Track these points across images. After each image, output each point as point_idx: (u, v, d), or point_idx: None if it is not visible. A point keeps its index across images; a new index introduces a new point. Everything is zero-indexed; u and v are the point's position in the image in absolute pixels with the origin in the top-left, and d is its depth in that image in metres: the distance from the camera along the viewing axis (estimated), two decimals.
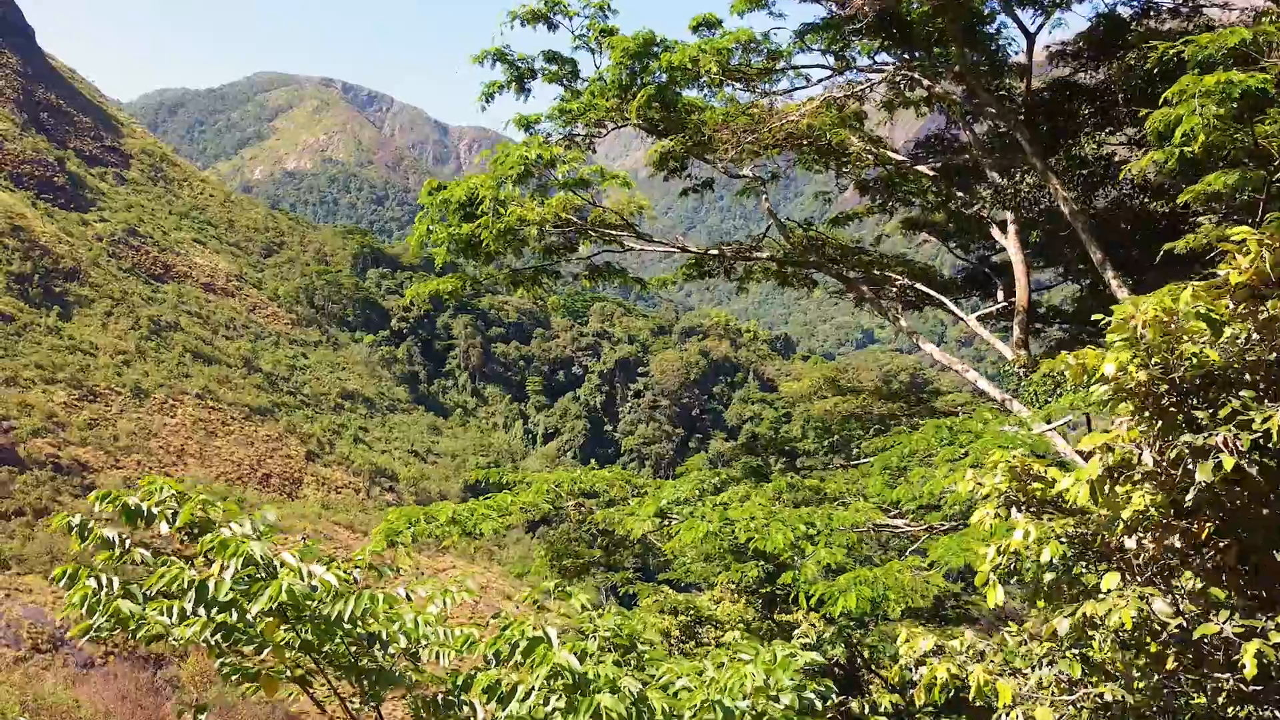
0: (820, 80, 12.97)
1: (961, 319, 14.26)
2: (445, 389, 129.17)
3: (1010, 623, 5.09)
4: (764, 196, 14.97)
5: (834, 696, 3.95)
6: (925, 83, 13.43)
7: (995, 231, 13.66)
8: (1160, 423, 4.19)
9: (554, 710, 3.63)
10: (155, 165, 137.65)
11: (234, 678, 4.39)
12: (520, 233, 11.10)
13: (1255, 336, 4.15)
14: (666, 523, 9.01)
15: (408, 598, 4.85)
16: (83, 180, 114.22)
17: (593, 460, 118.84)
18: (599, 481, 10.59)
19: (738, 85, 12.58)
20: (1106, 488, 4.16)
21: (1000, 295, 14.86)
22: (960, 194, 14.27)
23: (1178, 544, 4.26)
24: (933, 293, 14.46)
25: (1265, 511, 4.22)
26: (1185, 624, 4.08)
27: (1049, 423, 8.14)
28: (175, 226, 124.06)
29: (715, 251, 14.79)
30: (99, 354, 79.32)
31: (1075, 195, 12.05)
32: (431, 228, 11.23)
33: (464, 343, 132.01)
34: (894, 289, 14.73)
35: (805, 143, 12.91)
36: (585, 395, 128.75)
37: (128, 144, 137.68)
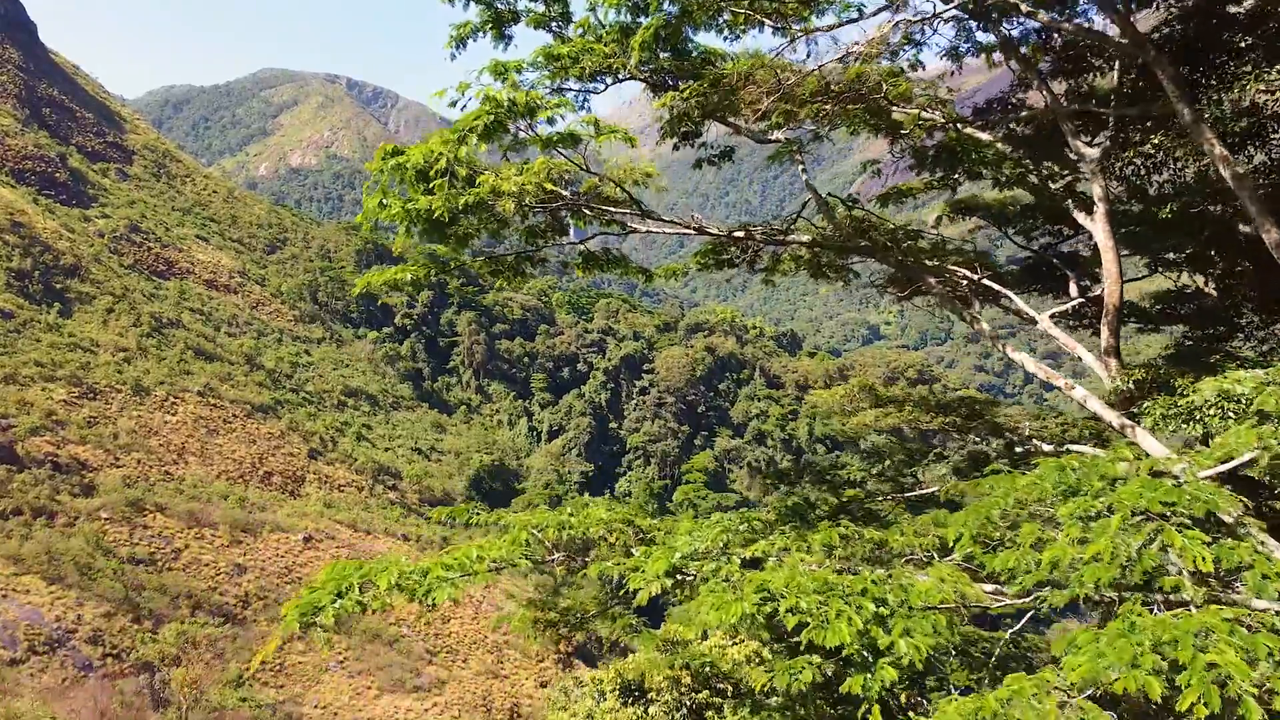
0: (877, 10, 10.01)
1: (1031, 318, 11.66)
2: (449, 386, 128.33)
3: None
4: (800, 166, 12.47)
5: None
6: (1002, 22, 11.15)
7: (1080, 215, 11.18)
8: None
9: None
10: (158, 161, 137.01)
11: None
12: (494, 208, 9.15)
13: None
14: (681, 580, 7.10)
15: None
16: (84, 176, 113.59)
17: (594, 464, 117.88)
18: (593, 524, 8.49)
19: (769, 23, 10.15)
20: None
21: (1073, 290, 12.73)
22: (1047, 165, 11.83)
23: None
24: (1002, 289, 12.01)
25: None
26: None
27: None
28: (178, 223, 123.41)
29: (740, 234, 12.20)
30: (99, 351, 78.64)
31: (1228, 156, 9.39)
32: (385, 201, 8.95)
33: (468, 339, 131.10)
34: (946, 283, 12.08)
35: (853, 99, 10.60)
36: (590, 392, 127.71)
37: (130, 140, 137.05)
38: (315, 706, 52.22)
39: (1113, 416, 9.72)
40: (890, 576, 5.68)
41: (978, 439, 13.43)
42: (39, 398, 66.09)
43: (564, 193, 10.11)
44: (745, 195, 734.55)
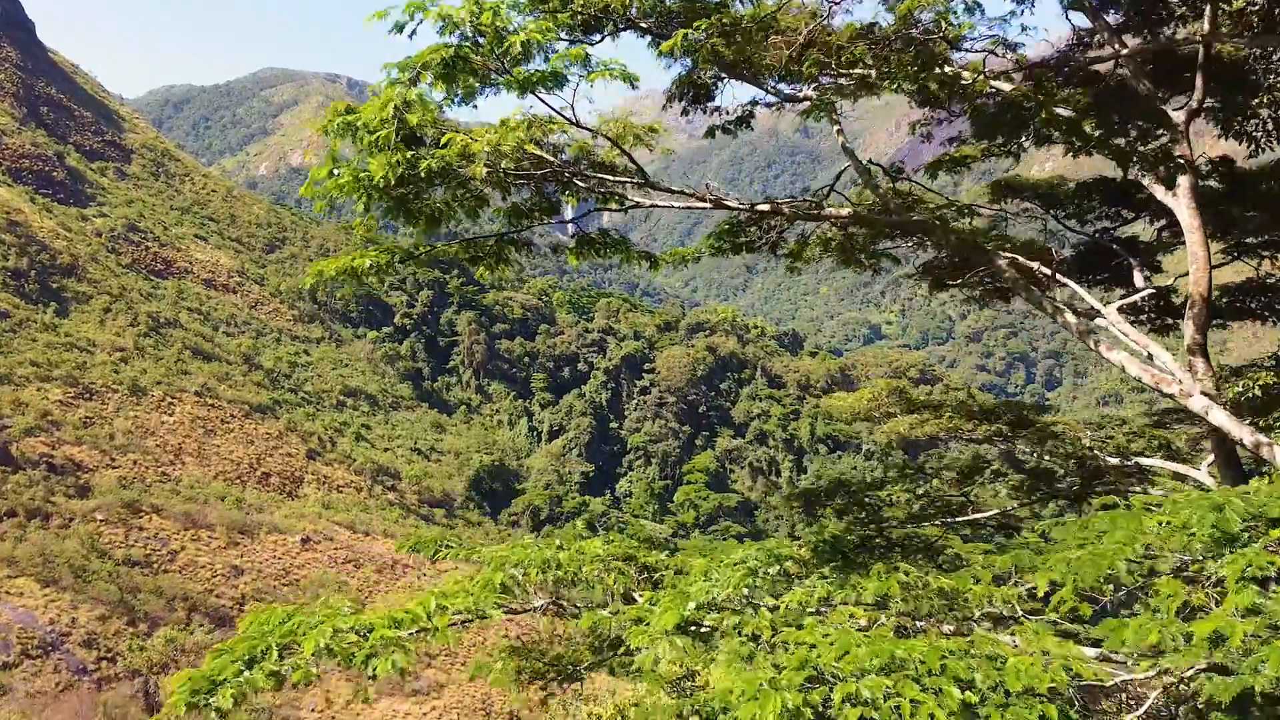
0: None
1: (1095, 311, 9.94)
2: (449, 386, 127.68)
3: None
4: (836, 127, 10.53)
5: None
6: None
7: (1158, 190, 9.52)
8: None
9: None
10: (157, 160, 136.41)
11: None
12: (465, 177, 7.57)
13: None
14: (696, 633, 5.74)
15: None
16: (82, 175, 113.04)
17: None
18: (587, 562, 7.00)
19: None
20: None
21: (1137, 280, 11.29)
22: (1139, 124, 9.92)
23: None
24: (1064, 279, 10.18)
25: None
26: None
27: None
28: (176, 222, 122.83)
29: (764, 207, 10.27)
30: (96, 351, 78.06)
31: None
32: (336, 170, 7.36)
33: (468, 339, 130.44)
34: (1017, 266, 10.24)
35: (900, 46, 8.69)
36: (590, 392, 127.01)
37: (129, 139, 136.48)
38: (312, 710, 51.62)
39: (1244, 432, 8.12)
40: (972, 644, 4.36)
41: (1027, 449, 12.24)
42: (34, 398, 65.50)
43: (550, 158, 8.44)
44: (747, 194, 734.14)
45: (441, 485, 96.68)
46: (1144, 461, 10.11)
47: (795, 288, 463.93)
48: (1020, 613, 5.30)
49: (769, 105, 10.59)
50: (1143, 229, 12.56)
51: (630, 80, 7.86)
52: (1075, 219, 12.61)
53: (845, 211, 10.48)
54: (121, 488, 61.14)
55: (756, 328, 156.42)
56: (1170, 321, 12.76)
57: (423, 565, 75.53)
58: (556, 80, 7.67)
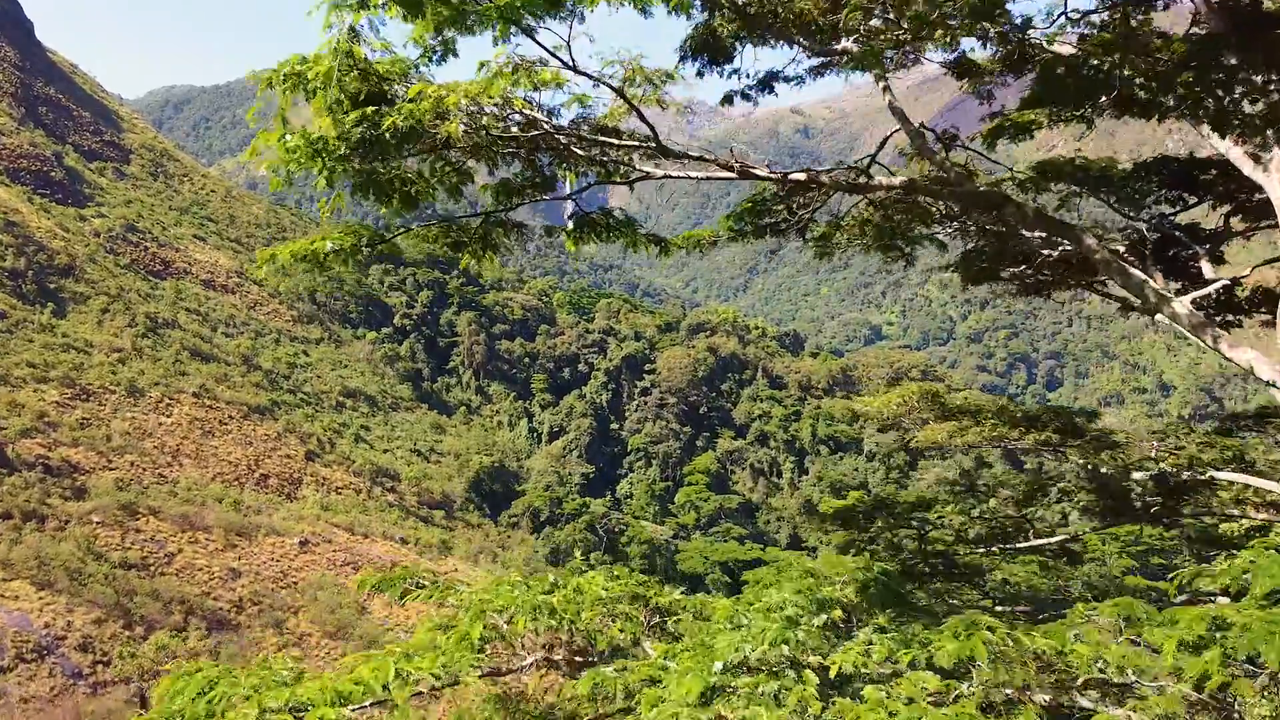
0: None
1: (1161, 303, 8.58)
2: (449, 387, 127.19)
3: None
4: (883, 84, 9.12)
5: None
6: None
7: (1248, 167, 8.22)
8: None
9: None
10: (156, 160, 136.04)
11: None
12: (437, 139, 6.28)
13: None
14: (726, 700, 4.37)
15: None
16: (81, 175, 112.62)
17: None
18: (587, 605, 5.83)
19: None
20: None
21: (1206, 270, 10.15)
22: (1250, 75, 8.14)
23: None
24: (1134, 270, 8.67)
25: None
26: None
27: None
28: (175, 222, 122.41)
29: (801, 176, 8.80)
30: (93, 352, 77.59)
31: None
32: (287, 137, 6.05)
33: (468, 340, 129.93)
34: (1107, 257, 8.77)
35: None
36: (591, 393, 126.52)
37: (128, 139, 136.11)
38: None
39: None
40: None
41: (1082, 461, 11.13)
42: (31, 399, 65.02)
43: (543, 118, 7.10)
44: (747, 195, 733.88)
45: (441, 487, 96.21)
46: (1220, 475, 9.18)
47: (795, 288, 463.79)
48: (1138, 681, 4.17)
49: (789, 80, 9.50)
50: (1204, 215, 11.50)
51: (641, 3, 6.55)
52: (1128, 204, 11.31)
53: (898, 181, 8.90)
54: (118, 489, 60.64)
55: (757, 328, 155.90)
56: (1231, 318, 11.65)
57: (421, 567, 74.87)
58: (555, 3, 6.37)
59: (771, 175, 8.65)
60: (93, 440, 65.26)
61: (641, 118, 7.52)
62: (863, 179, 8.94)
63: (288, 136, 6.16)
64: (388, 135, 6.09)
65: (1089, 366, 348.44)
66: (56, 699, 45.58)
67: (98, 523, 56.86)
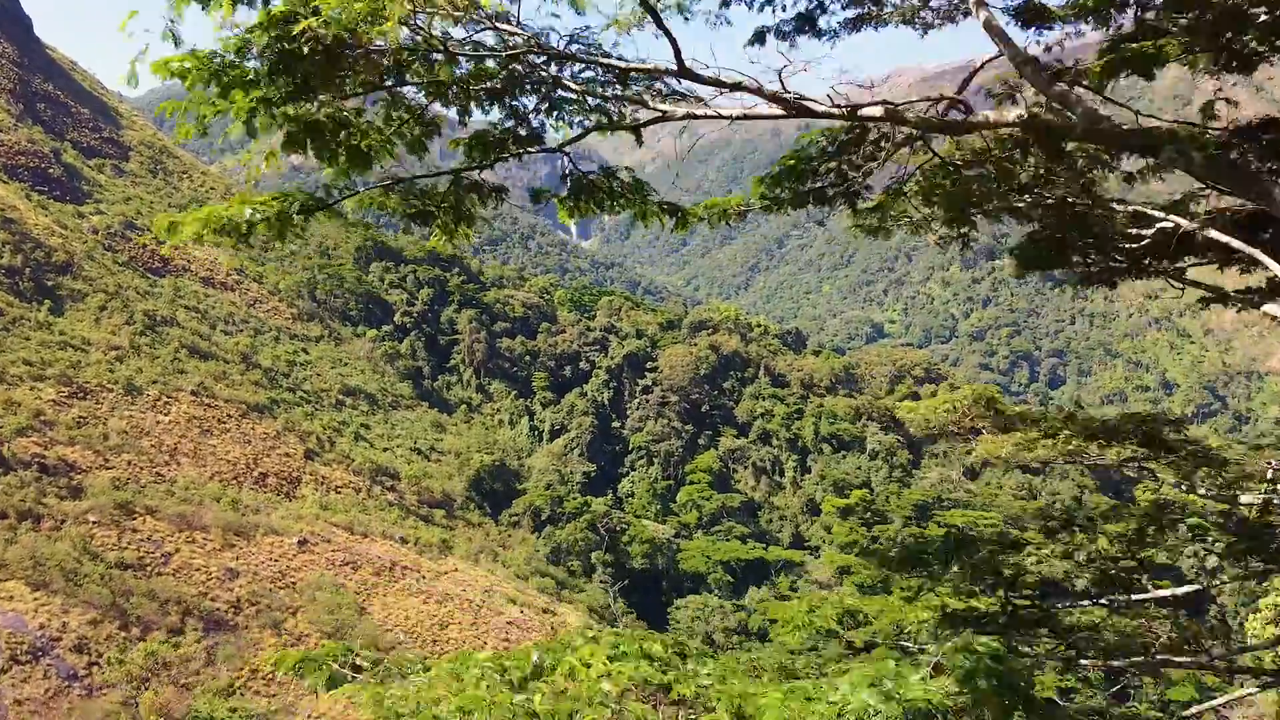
0: None
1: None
2: (449, 385, 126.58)
3: None
4: None
5: None
6: None
7: None
8: None
9: None
10: (155, 158, 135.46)
11: None
12: (376, 59, 4.96)
13: None
14: None
15: None
16: (79, 172, 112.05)
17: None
18: (585, 703, 4.10)
19: None
20: None
21: None
22: None
23: None
24: (1254, 249, 7.27)
25: None
26: None
27: None
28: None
29: (876, 111, 6.80)
30: (91, 349, 77.02)
31: None
32: (173, 54, 4.71)
33: (468, 337, 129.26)
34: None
35: None
36: (592, 391, 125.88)
37: (127, 136, 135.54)
38: (309, 716, 50.58)
39: None
40: None
41: (1181, 479, 9.73)
42: (27, 397, 64.47)
43: (518, 34, 5.42)
44: (749, 194, 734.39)
45: (441, 485, 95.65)
46: None
47: (798, 286, 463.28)
48: None
49: (822, 35, 7.78)
50: None
51: None
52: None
53: (1011, 116, 6.78)
54: (115, 489, 60.08)
55: (759, 326, 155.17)
56: None
57: (421, 567, 74.67)
58: None
59: (835, 110, 6.79)
60: (89, 439, 64.69)
61: (659, 23, 5.79)
62: (960, 114, 6.88)
63: (175, 53, 4.71)
64: (306, 48, 4.64)
65: (1092, 364, 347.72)
66: (51, 701, 45.07)
67: (94, 522, 56.31)
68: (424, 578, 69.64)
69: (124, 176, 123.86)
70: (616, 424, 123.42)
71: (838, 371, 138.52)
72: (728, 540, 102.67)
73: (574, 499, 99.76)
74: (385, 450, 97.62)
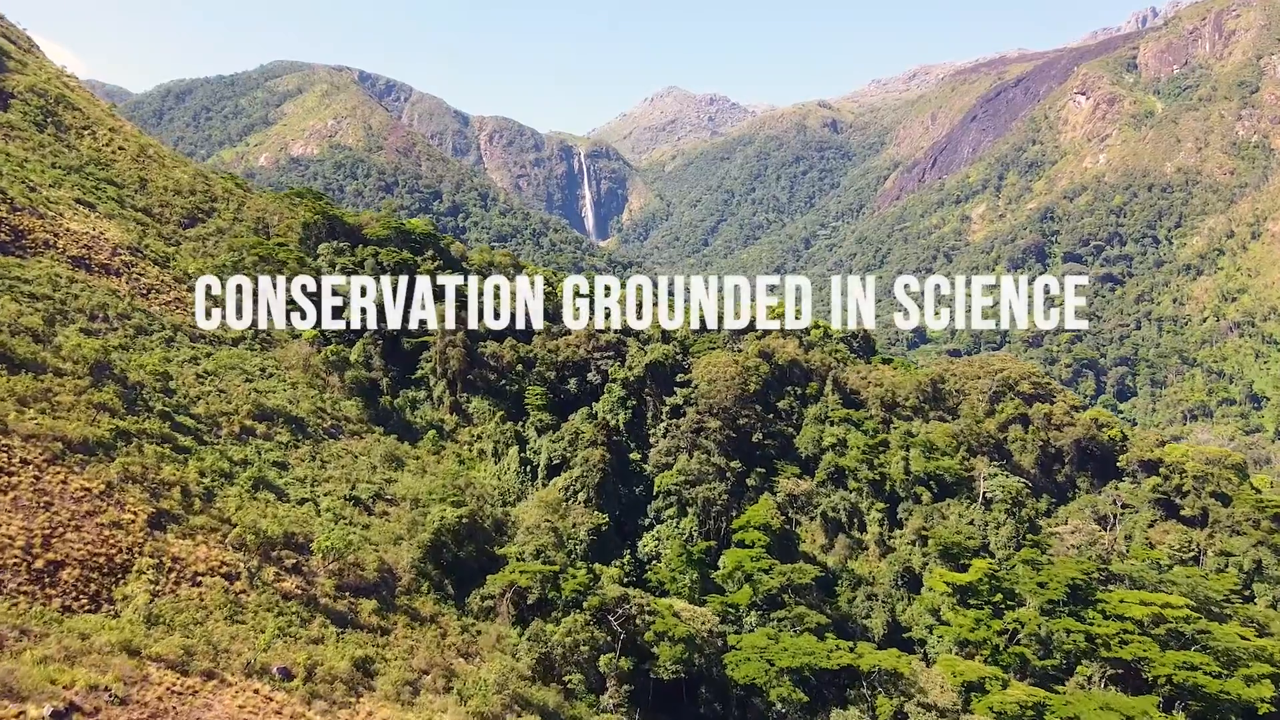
0: None
1: None
2: (414, 403, 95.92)
3: None
4: None
5: None
6: None
7: None
8: None
9: None
10: (46, 108, 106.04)
11: None
12: None
13: None
14: None
15: None
16: None
17: (609, 517, 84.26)
18: None
19: None
20: None
21: None
22: None
23: None
24: None
25: None
26: None
27: None
28: (53, 182, 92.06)
29: None
30: None
31: None
32: None
33: (442, 340, 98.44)
34: None
35: None
36: (604, 412, 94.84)
37: (13, 80, 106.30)
38: None
39: None
40: None
41: None
42: None
43: None
44: (773, 191, 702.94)
45: (380, 557, 64.80)
46: None
47: (826, 287, 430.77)
48: None
49: None
50: None
51: None
52: None
53: None
54: None
55: (819, 327, 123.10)
56: None
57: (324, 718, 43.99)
58: None
59: None
60: None
61: None
62: None
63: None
64: None
65: (1166, 374, 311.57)
66: None
67: None
68: None
69: None
70: (636, 457, 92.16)
71: (924, 386, 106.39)
72: (797, 634, 71.18)
73: (575, 574, 68.44)
74: (302, 503, 66.95)
